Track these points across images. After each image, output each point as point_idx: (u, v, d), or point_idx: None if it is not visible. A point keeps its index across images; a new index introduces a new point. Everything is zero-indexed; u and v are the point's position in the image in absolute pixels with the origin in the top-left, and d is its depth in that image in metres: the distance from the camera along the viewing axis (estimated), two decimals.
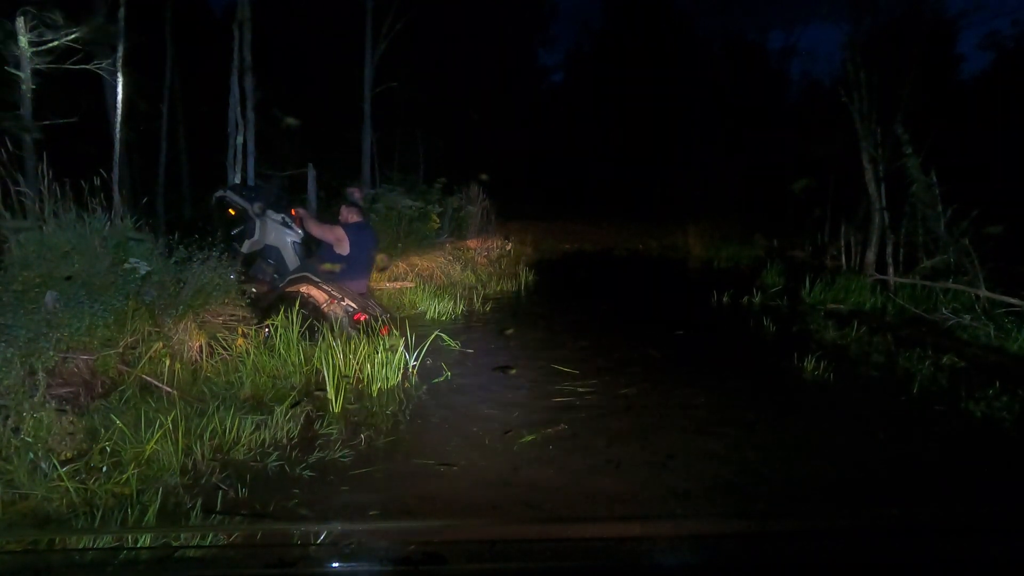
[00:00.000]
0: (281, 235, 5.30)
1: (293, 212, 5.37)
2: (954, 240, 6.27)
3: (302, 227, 5.31)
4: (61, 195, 4.04)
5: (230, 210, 5.24)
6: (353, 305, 4.87)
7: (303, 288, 4.92)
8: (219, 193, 5.38)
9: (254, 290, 5.15)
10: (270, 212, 5.29)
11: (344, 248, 5.06)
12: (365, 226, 5.33)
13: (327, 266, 4.99)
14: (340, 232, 5.09)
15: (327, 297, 4.86)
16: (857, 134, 7.84)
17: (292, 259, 5.29)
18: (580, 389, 4.12)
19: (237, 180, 7.44)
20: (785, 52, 22.45)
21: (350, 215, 5.28)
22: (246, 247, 5.21)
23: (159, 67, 11.58)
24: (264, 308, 4.85)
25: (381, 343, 4.14)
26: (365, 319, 4.83)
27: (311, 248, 5.44)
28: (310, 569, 1.09)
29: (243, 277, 5.10)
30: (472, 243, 10.54)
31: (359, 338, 4.34)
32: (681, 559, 1.08)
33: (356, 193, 5.91)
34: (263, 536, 1.84)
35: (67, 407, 3.00)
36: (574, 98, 23.84)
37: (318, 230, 5.16)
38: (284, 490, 2.65)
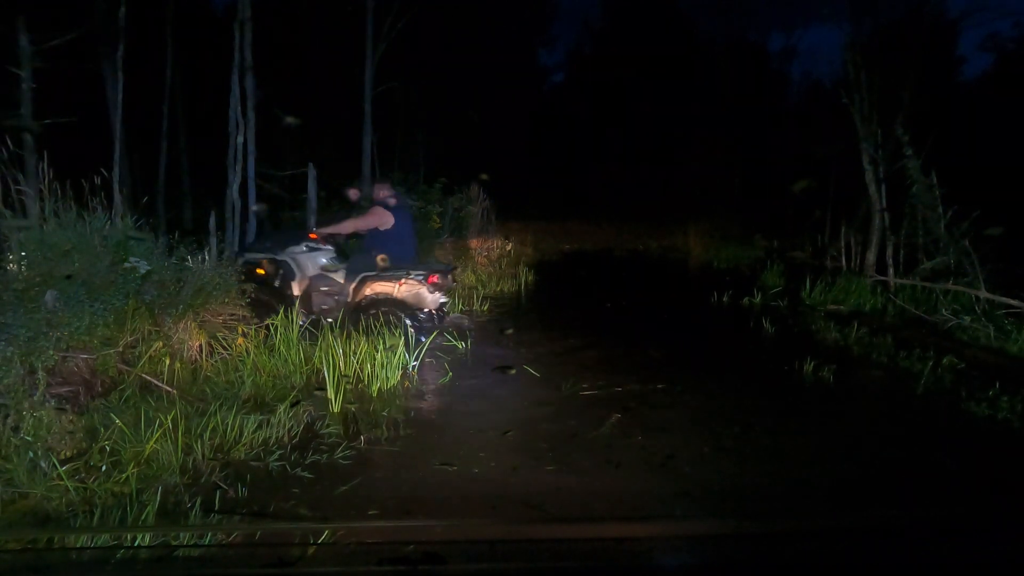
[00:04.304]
0: (316, 260, 5.24)
1: (313, 236, 5.27)
2: (954, 241, 6.27)
3: (335, 236, 5.26)
4: (61, 194, 4.03)
5: (259, 270, 5.12)
6: (420, 272, 4.91)
7: (368, 290, 4.93)
8: (240, 262, 5.18)
9: (329, 321, 5.03)
10: (291, 249, 5.22)
11: (389, 223, 5.02)
12: (398, 199, 5.29)
13: (381, 259, 5.00)
14: (379, 211, 5.04)
15: (394, 282, 4.87)
16: (858, 135, 7.83)
17: (339, 274, 5.21)
18: (581, 390, 4.12)
19: (237, 180, 7.43)
20: (786, 53, 22.50)
21: (383, 192, 5.23)
22: (296, 290, 5.13)
23: (159, 67, 11.58)
24: (352, 324, 4.82)
25: (381, 343, 4.14)
26: (437, 279, 4.90)
27: (346, 252, 5.38)
28: (310, 569, 1.09)
29: (310, 315, 5.03)
30: (472, 243, 10.54)
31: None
32: (681, 559, 1.08)
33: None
34: (262, 536, 1.84)
35: (67, 406, 3.00)
36: (574, 98, 23.85)
37: (354, 224, 5.10)
38: (284, 490, 2.65)
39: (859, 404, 4.08)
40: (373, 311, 4.83)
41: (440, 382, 4.20)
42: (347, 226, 5.18)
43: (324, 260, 5.22)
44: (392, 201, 5.19)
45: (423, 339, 4.79)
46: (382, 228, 5.03)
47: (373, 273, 4.94)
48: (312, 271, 5.21)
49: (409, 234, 5.24)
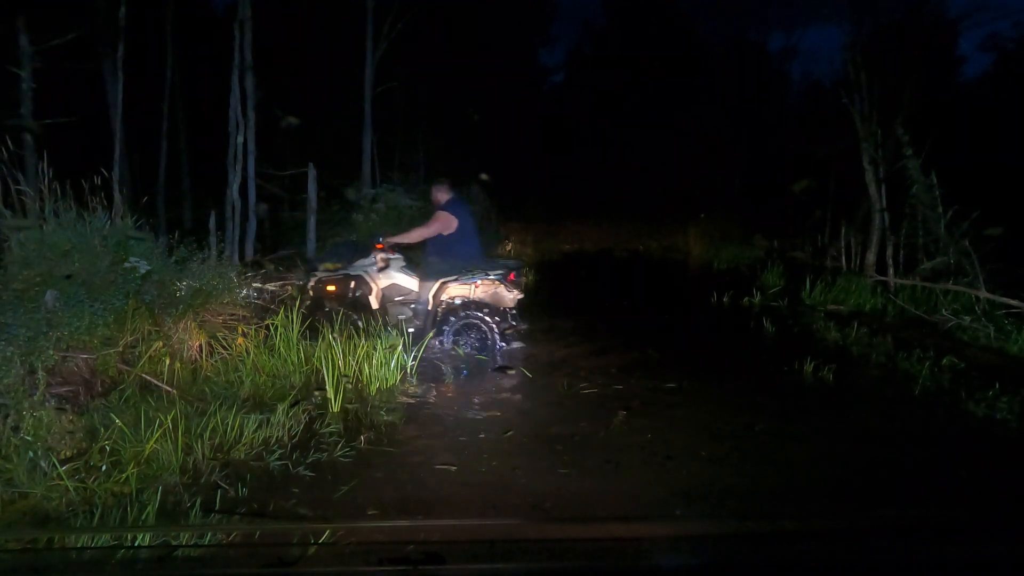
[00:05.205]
0: (389, 270, 5.15)
1: (379, 246, 5.16)
2: (954, 241, 6.26)
3: (401, 245, 5.20)
4: (61, 194, 4.03)
5: (330, 287, 5.03)
6: (496, 271, 4.92)
7: (445, 295, 4.93)
8: (311, 283, 5.12)
9: (411, 331, 4.93)
10: (360, 262, 5.12)
11: (452, 226, 4.97)
12: (458, 199, 5.23)
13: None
14: (443, 216, 4.99)
15: (470, 284, 4.88)
16: (858, 135, 7.83)
17: (412, 282, 5.13)
18: (581, 390, 4.12)
19: (237, 180, 7.42)
20: (786, 53, 22.48)
21: (441, 195, 5.17)
22: (375, 303, 5.05)
23: (159, 67, 11.58)
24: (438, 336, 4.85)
25: (380, 343, 4.13)
26: (514, 276, 4.92)
27: (412, 257, 5.32)
28: (309, 569, 1.09)
29: (389, 326, 4.89)
30: None
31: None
32: (681, 559, 1.08)
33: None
34: (262, 535, 1.83)
35: (67, 406, 3.00)
36: (574, 98, 23.84)
37: (420, 233, 5.05)
38: (283, 489, 2.65)
39: (859, 404, 4.08)
40: (457, 318, 4.84)
41: (440, 382, 4.20)
42: (414, 235, 5.10)
43: (395, 270, 5.15)
44: (447, 195, 5.15)
45: (504, 347, 4.86)
46: (446, 233, 4.97)
47: (452, 277, 4.92)
48: (385, 282, 5.12)
49: (473, 233, 5.15)
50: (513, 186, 16.26)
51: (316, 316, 4.49)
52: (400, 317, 5.07)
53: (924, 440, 3.45)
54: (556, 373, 4.49)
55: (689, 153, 19.87)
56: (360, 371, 3.96)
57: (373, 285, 5.07)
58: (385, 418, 3.51)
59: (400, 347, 4.20)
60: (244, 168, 7.49)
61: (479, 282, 4.91)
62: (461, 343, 4.90)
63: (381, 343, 4.11)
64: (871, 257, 7.94)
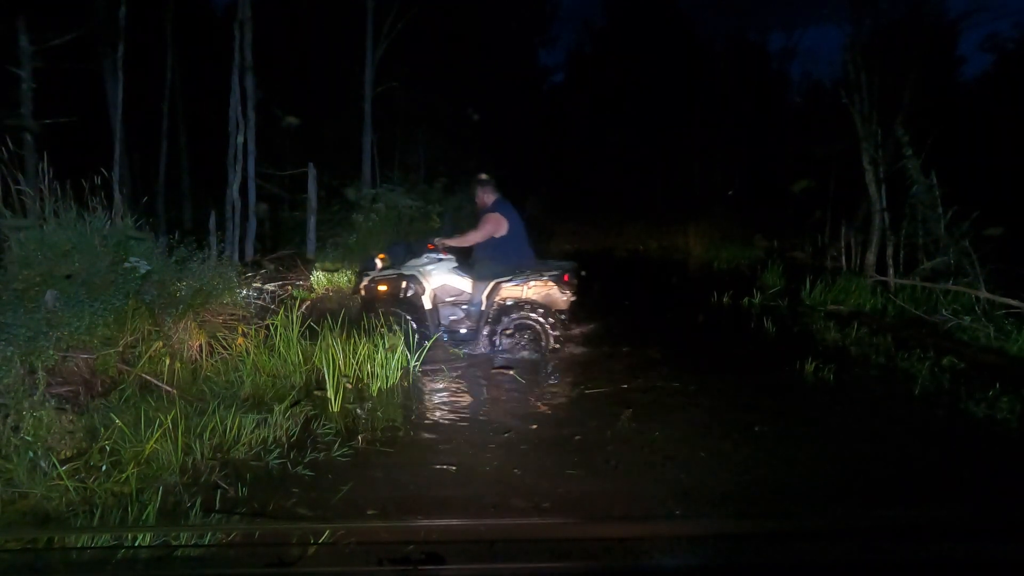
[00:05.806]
0: (440, 271, 5.09)
1: (431, 246, 5.12)
2: (954, 241, 6.26)
3: (457, 246, 5.12)
4: (61, 194, 4.03)
5: (381, 285, 4.98)
6: (550, 272, 4.89)
7: (498, 298, 4.89)
8: (365, 283, 5.07)
9: (463, 331, 4.94)
10: (412, 263, 5.06)
11: (504, 228, 4.89)
12: (504, 199, 5.10)
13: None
14: (493, 218, 4.90)
15: (522, 285, 4.86)
16: (858, 135, 7.83)
17: (464, 282, 5.08)
18: (583, 390, 4.12)
19: (237, 180, 7.42)
20: (786, 53, 22.53)
21: (487, 195, 5.06)
22: (427, 303, 4.99)
23: (159, 67, 11.59)
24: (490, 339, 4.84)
25: (381, 343, 4.13)
26: (568, 278, 4.89)
27: (466, 259, 5.26)
28: (309, 569, 1.09)
29: (439, 327, 4.91)
30: None
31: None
32: (681, 559, 1.09)
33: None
34: (262, 535, 1.84)
35: (67, 406, 3.00)
36: (575, 98, 23.86)
37: (476, 235, 4.93)
38: (283, 489, 2.65)
39: (859, 404, 4.07)
40: (509, 319, 4.80)
41: (441, 381, 4.20)
42: (468, 240, 4.99)
43: (447, 271, 5.09)
44: (493, 195, 5.04)
45: (558, 347, 4.83)
46: (498, 235, 4.88)
47: (507, 278, 4.88)
48: (435, 284, 5.06)
49: (523, 234, 5.04)
50: (513, 185, 16.23)
51: (368, 316, 4.46)
52: (452, 317, 5.05)
53: (924, 440, 3.44)
54: (558, 373, 4.49)
55: (689, 153, 19.88)
56: (361, 371, 3.96)
57: (425, 285, 5.01)
58: (385, 418, 3.51)
59: (401, 347, 4.20)
60: (244, 168, 7.49)
61: (532, 283, 4.89)
62: (516, 343, 4.87)
63: (382, 343, 4.11)
64: (871, 257, 7.93)
